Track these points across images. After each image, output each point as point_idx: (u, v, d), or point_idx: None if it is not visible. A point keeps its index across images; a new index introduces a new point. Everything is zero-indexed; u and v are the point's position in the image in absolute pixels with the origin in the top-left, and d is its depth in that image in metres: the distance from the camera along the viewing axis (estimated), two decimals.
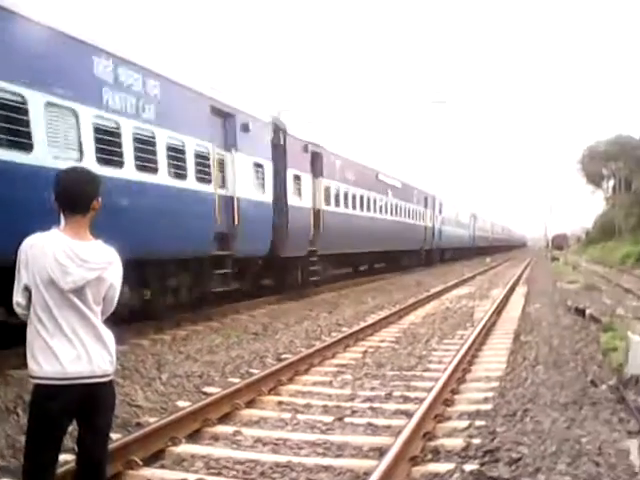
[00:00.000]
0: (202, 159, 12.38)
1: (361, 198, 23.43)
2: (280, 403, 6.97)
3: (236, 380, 7.81)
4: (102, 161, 9.44)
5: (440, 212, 39.72)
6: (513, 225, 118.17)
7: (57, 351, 3.08)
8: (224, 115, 13.48)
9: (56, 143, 8.71)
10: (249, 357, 9.37)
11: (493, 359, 9.34)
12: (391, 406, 6.82)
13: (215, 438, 5.78)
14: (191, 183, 12.00)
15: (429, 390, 6.88)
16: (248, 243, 14.06)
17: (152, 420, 6.00)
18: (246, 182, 14.14)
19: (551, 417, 6.06)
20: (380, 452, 5.21)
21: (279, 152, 16.12)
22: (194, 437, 5.77)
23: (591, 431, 5.63)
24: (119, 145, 9.93)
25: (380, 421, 6.25)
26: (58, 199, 3.18)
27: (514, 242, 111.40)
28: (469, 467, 4.89)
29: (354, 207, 22.67)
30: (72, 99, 8.93)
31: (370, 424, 6.14)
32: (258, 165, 14.83)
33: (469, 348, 9.48)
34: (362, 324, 12.42)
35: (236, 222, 13.42)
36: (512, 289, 21.40)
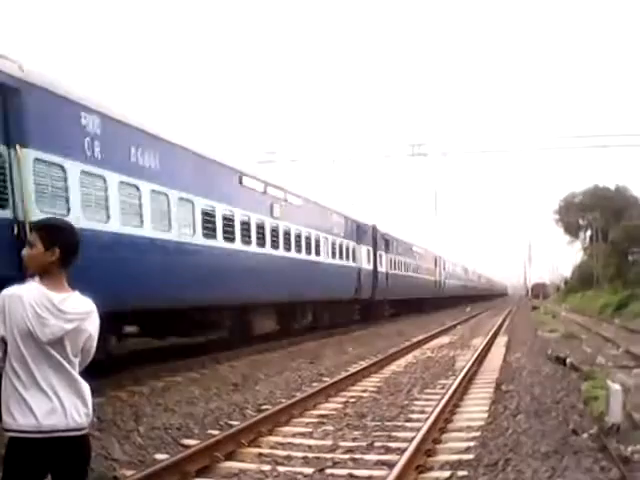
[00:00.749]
0: (352, 250, 25.61)
1: (405, 263, 36.85)
2: (260, 455, 6.87)
3: (215, 432, 7.69)
4: (322, 254, 21.50)
5: (444, 269, 52.45)
6: (495, 274, 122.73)
7: (32, 404, 3.04)
8: (358, 225, 26.84)
9: (318, 250, 21.43)
10: (229, 408, 9.25)
11: (475, 408, 9.31)
12: (372, 457, 6.74)
13: None
14: (349, 262, 25.33)
15: (411, 440, 6.82)
16: (364, 292, 26.92)
17: (129, 474, 5.88)
18: (363, 259, 27.41)
19: (533, 466, 6.03)
20: None
21: (374, 241, 29.45)
22: None
23: None
24: (318, 246, 21.30)
25: (361, 472, 6.17)
26: (68, 252, 3.16)
27: (496, 291, 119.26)
28: None
29: (402, 269, 35.93)
30: (316, 230, 21.00)
31: (351, 475, 6.07)
32: (367, 250, 28.26)
33: (451, 397, 9.44)
34: (343, 374, 12.35)
35: (361, 281, 26.38)
36: (493, 338, 21.44)
